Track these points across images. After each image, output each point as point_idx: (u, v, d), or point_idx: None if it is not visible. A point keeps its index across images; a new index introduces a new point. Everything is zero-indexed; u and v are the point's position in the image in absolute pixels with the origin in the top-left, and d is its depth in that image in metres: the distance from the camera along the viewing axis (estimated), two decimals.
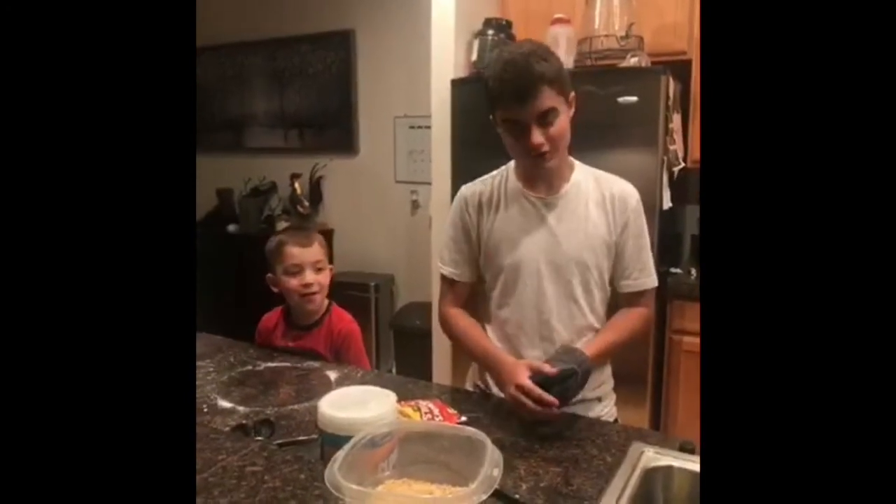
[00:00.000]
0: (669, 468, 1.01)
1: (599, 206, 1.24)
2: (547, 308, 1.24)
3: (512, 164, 1.30)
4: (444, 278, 1.36)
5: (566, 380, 1.10)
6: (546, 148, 1.14)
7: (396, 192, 3.63)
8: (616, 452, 1.04)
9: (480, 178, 1.34)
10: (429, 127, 2.65)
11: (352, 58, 3.65)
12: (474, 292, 1.37)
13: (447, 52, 2.51)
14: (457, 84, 2.47)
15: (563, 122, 1.16)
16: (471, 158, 2.45)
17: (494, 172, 1.33)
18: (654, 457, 1.02)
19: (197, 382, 1.38)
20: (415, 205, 3.57)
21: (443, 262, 1.35)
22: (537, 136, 1.13)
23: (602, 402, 1.32)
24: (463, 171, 2.50)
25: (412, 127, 3.51)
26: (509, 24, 2.50)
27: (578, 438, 1.10)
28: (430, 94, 2.57)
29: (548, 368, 1.11)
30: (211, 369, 1.46)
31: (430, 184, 2.69)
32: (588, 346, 1.20)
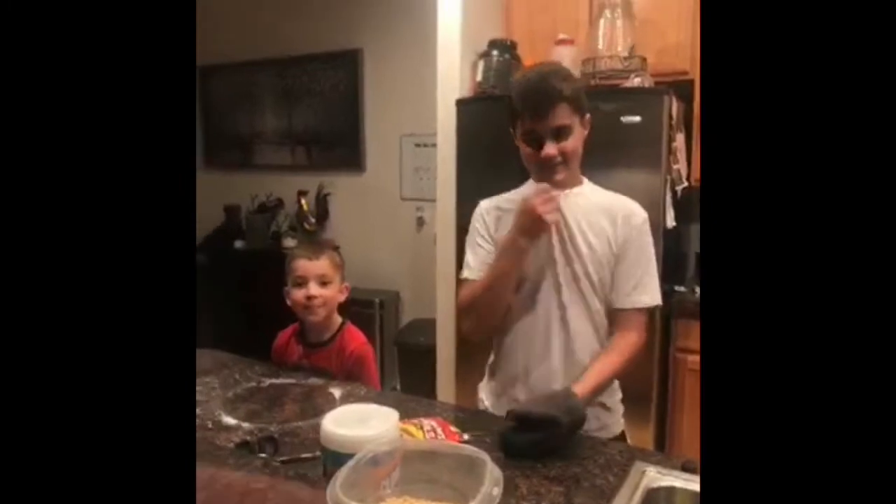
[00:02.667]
0: (672, 489, 1.01)
1: (605, 221, 1.28)
2: (559, 314, 1.27)
3: (530, 182, 1.35)
4: (463, 282, 1.38)
5: (547, 427, 1.07)
6: (558, 160, 1.23)
7: (402, 210, 3.65)
8: (618, 472, 1.04)
9: (499, 196, 1.40)
10: (434, 145, 2.68)
11: (359, 77, 3.70)
12: None
13: (452, 73, 2.55)
14: (462, 104, 2.50)
15: (576, 139, 1.25)
16: (475, 176, 2.48)
17: (514, 191, 1.39)
18: (656, 476, 1.02)
19: (202, 398, 1.39)
20: (420, 222, 3.59)
21: (466, 270, 1.38)
22: (550, 148, 1.22)
23: (609, 411, 1.33)
24: (467, 188, 2.52)
25: (418, 145, 3.54)
26: (514, 45, 2.54)
27: (580, 458, 1.10)
28: (436, 113, 2.60)
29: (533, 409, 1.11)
30: (216, 385, 1.47)
31: (435, 201, 2.71)
32: (580, 383, 1.19)
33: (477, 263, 1.35)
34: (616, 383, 1.36)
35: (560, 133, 1.22)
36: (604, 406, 1.32)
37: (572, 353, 1.28)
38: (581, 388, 1.17)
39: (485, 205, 1.39)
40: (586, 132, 1.28)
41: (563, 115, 1.20)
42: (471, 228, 1.39)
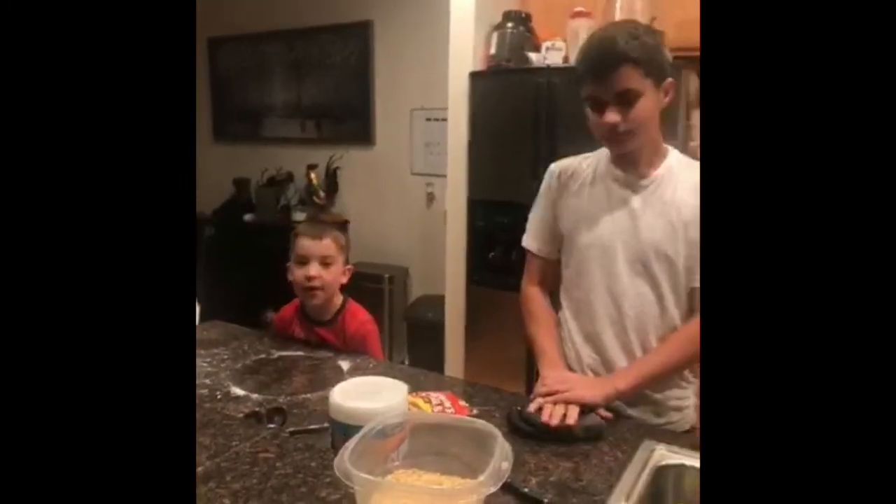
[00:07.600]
0: (681, 466, 1.00)
1: (694, 193, 1.16)
2: (620, 292, 1.21)
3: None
4: (528, 253, 1.36)
5: (562, 436, 1.06)
6: (621, 128, 1.12)
7: (412, 185, 3.63)
8: (627, 449, 1.04)
9: (575, 156, 1.33)
10: (445, 119, 2.65)
11: (370, 49, 3.65)
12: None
13: (466, 45, 2.50)
14: (475, 77, 2.46)
15: (645, 106, 1.11)
16: (487, 152, 2.45)
17: (591, 153, 1.30)
18: (665, 454, 1.02)
19: (211, 370, 1.40)
20: (430, 197, 3.58)
21: (526, 236, 1.36)
22: (612, 115, 1.11)
23: (680, 412, 1.27)
24: (478, 164, 2.50)
25: (429, 119, 3.51)
26: (529, 18, 2.49)
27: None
28: (448, 87, 2.56)
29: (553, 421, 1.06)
30: (225, 357, 1.48)
31: (445, 176, 2.69)
32: (625, 374, 1.17)
33: (540, 238, 1.33)
34: (692, 386, 1.28)
35: (625, 98, 1.10)
36: (677, 409, 1.26)
37: (625, 333, 1.22)
38: (623, 383, 1.15)
39: (555, 167, 1.32)
40: (667, 99, 1.16)
41: (628, 79, 1.08)
42: (540, 192, 1.34)
